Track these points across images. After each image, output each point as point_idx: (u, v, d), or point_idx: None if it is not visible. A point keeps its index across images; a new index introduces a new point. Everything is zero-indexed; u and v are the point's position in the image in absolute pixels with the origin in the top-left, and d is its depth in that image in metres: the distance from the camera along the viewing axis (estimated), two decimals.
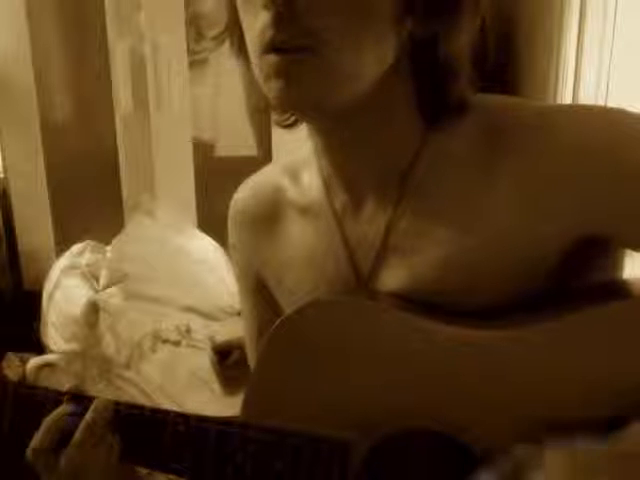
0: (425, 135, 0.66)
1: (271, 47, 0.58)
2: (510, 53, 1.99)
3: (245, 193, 0.82)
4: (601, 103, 1.75)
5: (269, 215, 0.77)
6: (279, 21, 0.57)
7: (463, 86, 0.64)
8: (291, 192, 0.76)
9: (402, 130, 0.66)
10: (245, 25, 0.62)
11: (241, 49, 0.65)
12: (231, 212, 0.83)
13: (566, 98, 1.80)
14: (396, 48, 0.61)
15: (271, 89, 0.60)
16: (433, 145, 0.66)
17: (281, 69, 0.59)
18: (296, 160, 0.78)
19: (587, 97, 1.76)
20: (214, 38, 0.68)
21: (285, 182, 0.77)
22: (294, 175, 0.77)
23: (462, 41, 0.61)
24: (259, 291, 0.82)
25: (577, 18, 1.73)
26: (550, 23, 1.79)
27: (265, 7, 0.57)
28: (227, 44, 0.68)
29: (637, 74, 1.67)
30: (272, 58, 0.59)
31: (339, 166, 0.70)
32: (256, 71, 0.62)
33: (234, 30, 0.65)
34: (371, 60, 0.60)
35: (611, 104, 1.73)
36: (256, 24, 0.59)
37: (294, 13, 0.56)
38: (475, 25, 0.62)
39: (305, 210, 0.74)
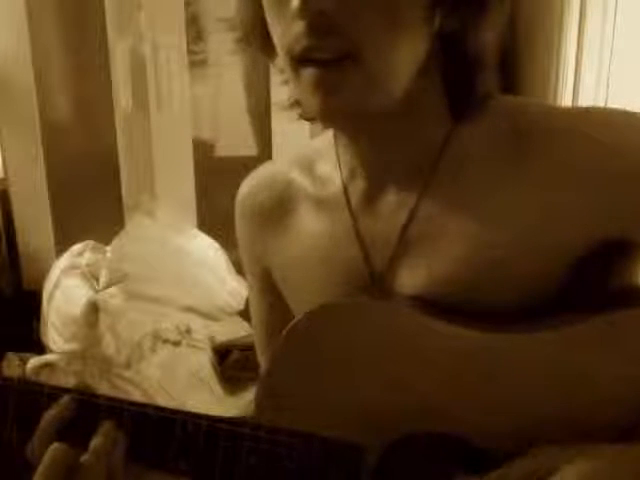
0: (451, 130, 0.66)
1: (307, 57, 0.57)
2: (510, 53, 1.99)
3: (252, 186, 0.80)
4: (601, 103, 1.75)
5: (278, 208, 0.76)
6: (313, 29, 0.56)
7: (489, 80, 0.64)
8: (304, 185, 0.75)
9: (429, 125, 0.66)
10: (276, 34, 0.60)
11: (263, 50, 0.64)
12: (237, 205, 0.81)
13: (566, 98, 1.80)
14: (427, 44, 0.60)
15: (312, 102, 0.59)
16: (458, 141, 0.66)
17: (320, 82, 0.58)
18: (309, 152, 0.77)
19: (587, 97, 1.76)
20: (239, 40, 0.67)
21: (296, 175, 0.76)
22: (308, 168, 0.75)
23: (489, 35, 0.61)
24: (267, 286, 0.81)
25: (577, 18, 1.73)
26: (550, 23, 1.79)
27: (298, 16, 0.56)
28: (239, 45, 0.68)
29: (637, 74, 1.67)
30: (310, 71, 0.58)
31: (360, 160, 0.69)
32: (291, 80, 0.61)
33: (256, 32, 0.64)
34: (407, 58, 0.60)
35: (611, 104, 1.73)
36: (288, 33, 0.58)
37: (328, 21, 0.56)
38: (503, 19, 0.62)
39: (319, 202, 0.73)
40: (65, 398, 0.66)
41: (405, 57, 0.59)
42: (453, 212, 0.65)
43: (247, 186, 0.80)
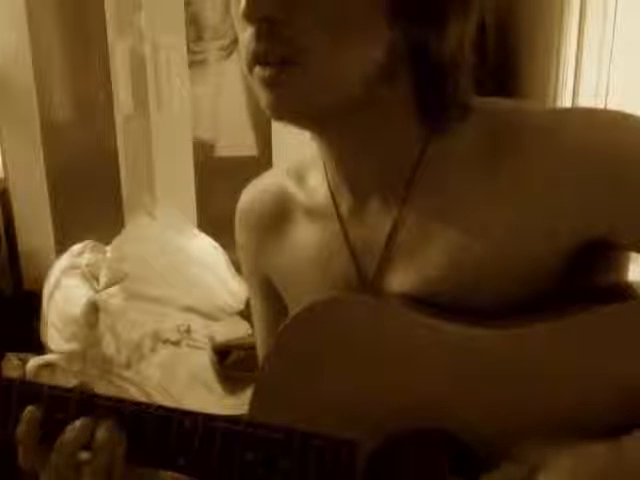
0: (428, 137, 0.66)
1: (255, 60, 0.60)
2: (510, 53, 1.99)
3: (251, 195, 0.82)
4: (601, 103, 1.75)
5: (275, 217, 0.78)
6: (258, 35, 0.59)
7: (462, 89, 0.64)
8: (297, 194, 0.77)
9: (403, 133, 0.66)
10: (239, 38, 0.64)
11: None
12: (237, 214, 0.83)
13: (566, 98, 1.80)
14: (386, 51, 0.61)
15: (261, 99, 0.62)
16: (436, 147, 0.66)
17: (267, 81, 0.60)
18: (301, 162, 0.78)
19: (587, 97, 1.77)
20: (223, 49, 0.70)
21: (291, 184, 0.78)
22: (300, 177, 0.77)
23: (453, 45, 0.61)
24: (267, 290, 0.82)
25: (577, 18, 1.74)
26: (550, 23, 1.79)
27: (245, 22, 0.59)
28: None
29: (637, 74, 1.67)
30: (258, 71, 0.61)
31: (342, 170, 0.70)
32: (249, 81, 0.64)
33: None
34: (356, 65, 0.61)
35: (611, 104, 1.73)
36: (242, 38, 0.61)
37: (273, 27, 0.58)
38: (468, 28, 0.62)
39: (311, 212, 0.75)
40: (29, 408, 0.66)
41: (354, 63, 0.61)
42: (435, 219, 0.66)
43: (245, 196, 0.83)
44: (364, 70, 0.61)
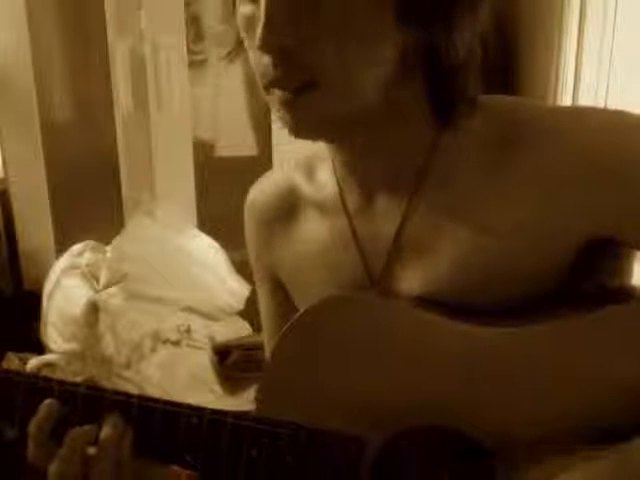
0: (437, 134, 0.66)
1: (274, 85, 0.61)
2: (510, 53, 1.99)
3: (261, 189, 0.82)
4: (601, 103, 1.75)
5: (284, 211, 0.78)
6: (276, 64, 0.60)
7: (470, 86, 0.64)
8: (306, 189, 0.77)
9: (413, 130, 0.67)
10: (250, 57, 0.64)
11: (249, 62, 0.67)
12: (246, 209, 0.83)
13: (566, 98, 1.80)
14: (398, 56, 0.61)
15: (282, 119, 0.63)
16: (445, 144, 0.66)
17: (286, 103, 0.61)
18: (311, 156, 0.79)
19: (587, 97, 1.77)
20: (226, 56, 0.70)
21: (300, 179, 0.78)
22: (310, 171, 0.78)
23: (463, 45, 0.61)
24: (274, 286, 0.82)
25: (577, 18, 1.74)
26: (550, 23, 1.79)
27: (261, 51, 0.60)
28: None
29: (637, 74, 1.67)
30: (278, 93, 0.61)
31: (351, 166, 0.70)
32: (264, 97, 0.64)
33: (242, 49, 0.67)
34: (372, 73, 0.61)
35: (611, 104, 1.73)
36: (258, 62, 0.62)
37: (289, 55, 0.59)
38: (476, 26, 0.62)
39: (320, 207, 0.75)
40: (47, 401, 0.67)
41: (370, 73, 0.61)
42: (444, 216, 0.66)
43: (254, 192, 0.83)
44: (378, 78, 0.62)
